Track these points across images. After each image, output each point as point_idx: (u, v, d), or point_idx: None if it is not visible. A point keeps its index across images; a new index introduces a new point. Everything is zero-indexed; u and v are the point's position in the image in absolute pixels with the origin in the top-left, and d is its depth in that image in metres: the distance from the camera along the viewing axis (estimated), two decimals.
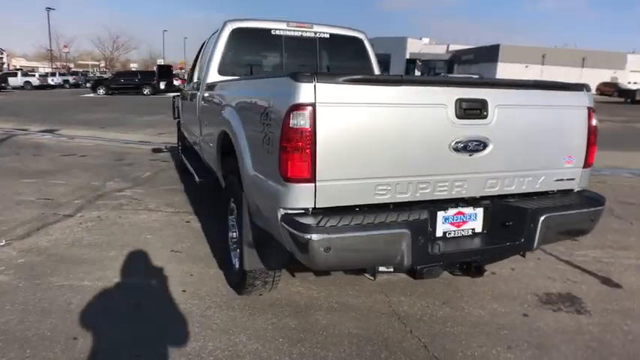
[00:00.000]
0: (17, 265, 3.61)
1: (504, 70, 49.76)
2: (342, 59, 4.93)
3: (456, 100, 2.24)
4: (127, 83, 32.11)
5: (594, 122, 2.61)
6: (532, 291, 3.36)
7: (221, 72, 4.35)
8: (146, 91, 31.38)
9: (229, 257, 3.32)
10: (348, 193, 2.14)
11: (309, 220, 2.03)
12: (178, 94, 7.68)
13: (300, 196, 2.08)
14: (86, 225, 4.62)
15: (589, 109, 2.61)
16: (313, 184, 2.06)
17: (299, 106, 2.00)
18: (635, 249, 4.23)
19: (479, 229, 2.51)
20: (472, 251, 2.43)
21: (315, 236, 1.98)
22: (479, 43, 60.87)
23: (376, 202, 2.20)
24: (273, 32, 4.56)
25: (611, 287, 3.50)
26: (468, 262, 2.54)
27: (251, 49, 4.57)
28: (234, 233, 3.13)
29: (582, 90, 2.61)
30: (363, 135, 2.11)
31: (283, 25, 4.58)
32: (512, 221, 2.43)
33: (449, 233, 2.41)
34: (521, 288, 3.40)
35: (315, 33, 4.70)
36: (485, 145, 2.32)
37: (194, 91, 5.02)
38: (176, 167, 7.60)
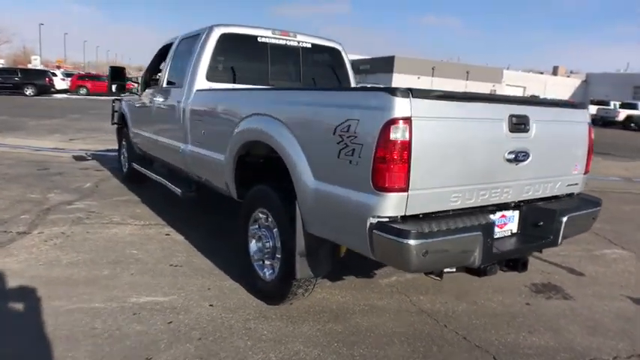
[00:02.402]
0: (2, 292, 3.17)
1: (399, 81, 53.36)
2: (322, 68, 5.08)
3: (509, 116, 2.55)
4: (5, 82, 28.39)
5: (592, 135, 3.11)
6: (522, 283, 3.82)
7: (209, 78, 4.24)
8: (29, 91, 28.14)
9: (253, 268, 3.28)
10: (430, 201, 2.32)
11: (407, 227, 2.17)
12: (118, 98, 7.20)
13: (394, 205, 2.21)
14: (54, 242, 4.16)
15: (589, 124, 3.10)
16: (406, 194, 2.20)
17: (398, 120, 2.13)
18: (580, 242, 4.96)
19: (515, 230, 2.85)
20: (517, 249, 2.76)
21: (415, 242, 2.12)
22: (372, 53, 64.50)
23: (449, 208, 2.41)
24: (259, 39, 4.56)
25: (577, 275, 4.11)
26: (515, 259, 2.85)
27: (238, 55, 4.51)
28: (268, 243, 3.11)
29: (585, 108, 3.09)
30: (443, 146, 2.30)
31: (269, 33, 4.61)
32: (542, 221, 2.80)
33: (496, 234, 2.70)
34: (512, 281, 3.83)
35: (299, 42, 4.79)
36: (527, 156, 2.65)
37: (166, 98, 4.80)
38: (116, 176, 7.06)
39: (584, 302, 3.54)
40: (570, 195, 3.14)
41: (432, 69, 56.67)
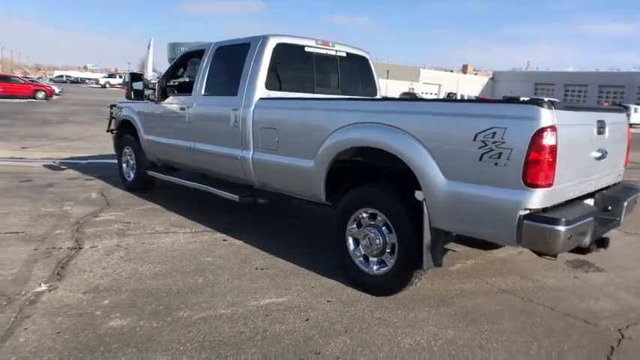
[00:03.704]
0: (110, 307, 3.14)
1: None
2: (354, 75, 5.39)
3: (597, 121, 3.09)
4: None
5: (630, 134, 3.79)
6: (559, 261, 4.43)
7: (267, 87, 4.41)
8: None
9: (355, 265, 3.55)
10: (560, 195, 2.79)
11: (556, 215, 2.61)
12: (113, 104, 6.98)
13: (541, 199, 2.64)
14: (118, 255, 4.08)
15: (628, 124, 3.77)
16: (551, 189, 2.65)
17: (547, 128, 2.56)
18: None
19: None
20: (603, 230, 3.31)
21: (564, 227, 2.58)
22: None
23: (566, 199, 2.89)
24: (306, 49, 4.78)
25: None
26: (602, 238, 3.40)
27: (289, 64, 4.70)
28: (377, 240, 3.39)
29: (626, 111, 3.76)
30: (569, 148, 2.77)
31: (313, 43, 4.84)
32: (611, 206, 3.39)
33: None
34: (549, 261, 4.45)
35: (336, 52, 5.08)
36: (606, 153, 3.22)
37: (211, 106, 4.85)
38: (115, 185, 6.79)
39: (616, 273, 4.24)
40: (617, 184, 3.79)
41: None
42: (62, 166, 8.30)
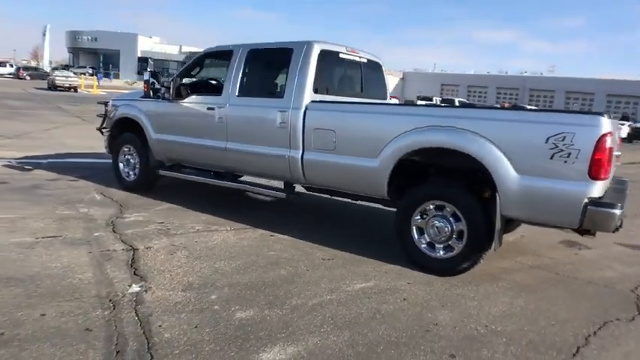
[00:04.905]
0: (222, 300, 3.32)
1: None
2: (373, 81, 5.85)
3: (618, 126, 3.90)
4: None
5: None
6: (556, 241, 5.31)
7: (315, 90, 4.74)
8: None
9: (421, 251, 4.06)
10: (607, 185, 3.53)
11: (613, 201, 3.35)
12: (105, 102, 6.75)
13: (600, 189, 3.35)
14: (184, 255, 4.17)
15: None
16: (606, 181, 3.37)
17: (608, 134, 3.27)
18: None
19: None
20: None
21: (619, 211, 3.32)
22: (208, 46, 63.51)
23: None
24: (340, 55, 5.17)
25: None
26: None
27: (328, 69, 5.04)
28: (446, 228, 3.92)
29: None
30: (613, 148, 3.52)
31: (344, 49, 5.24)
32: (619, 195, 4.25)
33: None
34: (547, 242, 5.30)
35: (360, 58, 5.52)
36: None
37: (251, 107, 5.04)
38: (110, 186, 6.57)
39: (602, 250, 5.19)
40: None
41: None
42: (26, 167, 7.70)
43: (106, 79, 56.76)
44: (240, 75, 5.18)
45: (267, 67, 5.05)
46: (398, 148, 4.05)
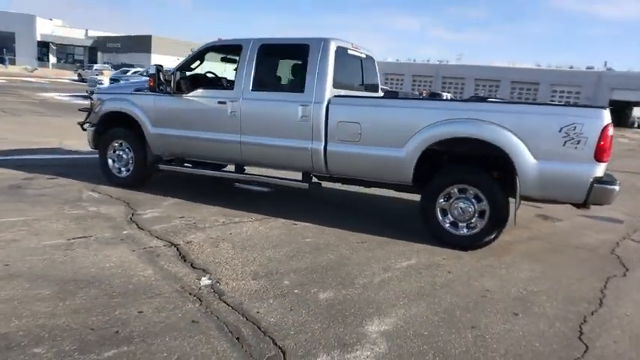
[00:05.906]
0: (297, 285, 3.57)
1: (159, 61, 50.84)
2: (370, 75, 6.22)
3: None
4: None
5: None
6: (533, 215, 6.14)
7: (334, 85, 5.03)
8: None
9: (446, 229, 4.57)
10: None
11: (612, 179, 4.08)
12: (89, 95, 6.41)
13: (602, 170, 4.06)
14: (228, 245, 4.29)
15: None
16: (608, 163, 4.09)
17: (609, 124, 3.97)
18: None
19: None
20: None
21: (618, 187, 4.06)
22: (120, 31, 59.67)
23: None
24: (349, 51, 5.49)
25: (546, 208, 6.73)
26: None
27: (342, 65, 5.32)
28: (470, 209, 4.46)
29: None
30: None
31: (350, 45, 5.56)
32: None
33: None
34: (527, 216, 6.11)
35: (360, 52, 5.88)
36: None
37: (267, 101, 5.20)
38: (99, 183, 6.32)
39: (571, 221, 6.09)
40: None
41: (191, 50, 56.17)
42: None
43: (0, 64, 51.16)
44: (253, 69, 5.28)
45: (282, 62, 5.21)
46: (425, 138, 4.49)
